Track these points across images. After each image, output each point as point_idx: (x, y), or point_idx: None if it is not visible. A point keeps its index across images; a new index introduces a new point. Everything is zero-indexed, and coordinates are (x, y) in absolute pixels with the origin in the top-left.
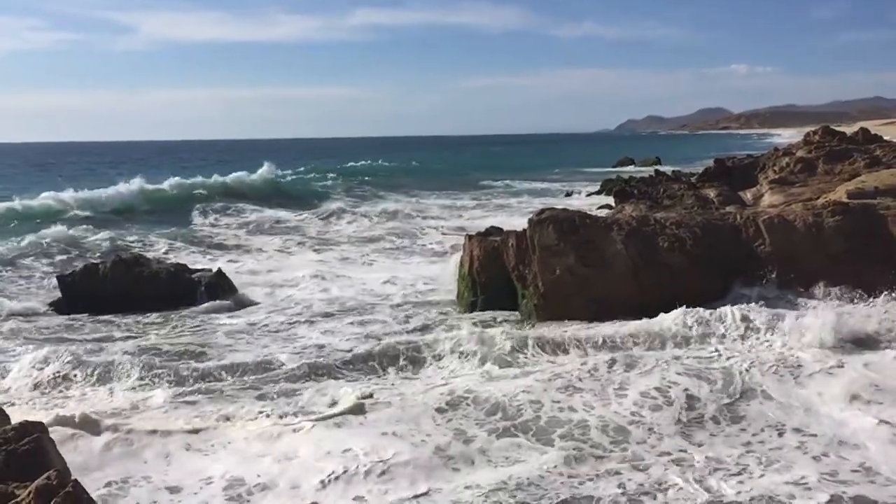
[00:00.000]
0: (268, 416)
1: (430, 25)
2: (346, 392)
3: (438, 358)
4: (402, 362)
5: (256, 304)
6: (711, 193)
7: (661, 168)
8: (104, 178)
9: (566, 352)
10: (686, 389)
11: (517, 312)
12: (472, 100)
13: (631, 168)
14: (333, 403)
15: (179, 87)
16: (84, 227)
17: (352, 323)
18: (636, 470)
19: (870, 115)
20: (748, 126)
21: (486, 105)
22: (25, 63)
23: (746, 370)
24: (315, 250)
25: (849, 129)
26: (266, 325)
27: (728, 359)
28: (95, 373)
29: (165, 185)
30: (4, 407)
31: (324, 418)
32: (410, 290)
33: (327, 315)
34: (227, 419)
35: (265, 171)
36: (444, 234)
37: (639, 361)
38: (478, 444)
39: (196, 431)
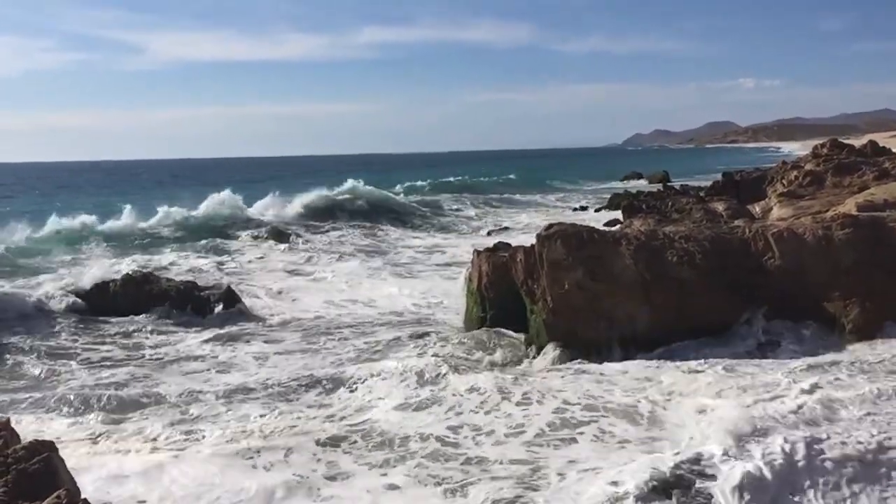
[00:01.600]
0: (146, 439)
1: (437, 42)
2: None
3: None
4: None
5: (262, 320)
6: (720, 207)
7: (669, 182)
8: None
9: None
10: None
11: None
12: (479, 115)
13: (641, 182)
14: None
15: (189, 106)
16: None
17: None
18: None
19: (878, 128)
20: (756, 139)
21: (493, 120)
22: (38, 83)
23: None
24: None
25: (857, 142)
26: (234, 342)
27: None
28: None
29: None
30: None
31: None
32: None
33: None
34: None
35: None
36: None
37: None
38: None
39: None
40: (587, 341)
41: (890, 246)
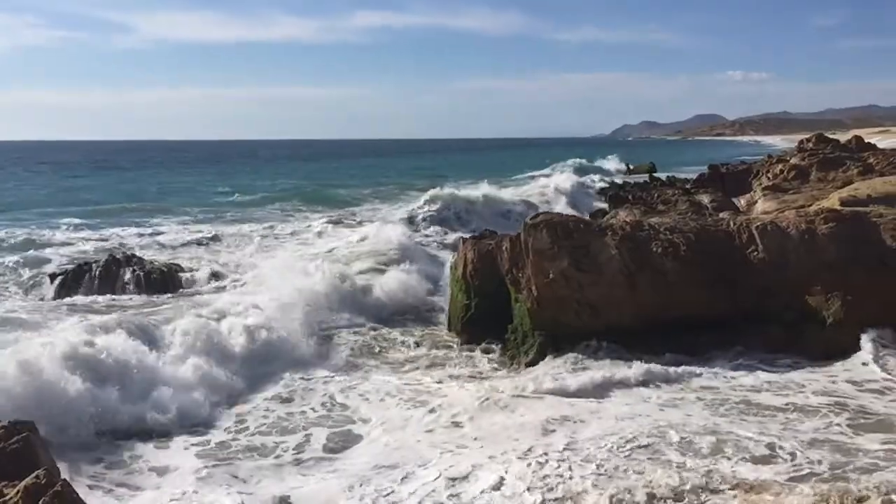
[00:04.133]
0: None
1: (429, 28)
2: None
3: None
4: None
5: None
6: (705, 199)
7: (656, 174)
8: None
9: None
10: None
11: None
12: (469, 103)
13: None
14: None
15: (177, 87)
16: None
17: None
18: None
19: (864, 124)
20: (742, 133)
21: (484, 108)
22: (23, 60)
23: None
24: None
25: (843, 137)
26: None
27: None
28: None
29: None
30: None
31: None
32: None
33: None
34: None
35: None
36: None
37: None
38: None
39: None
40: (571, 331)
41: (872, 241)
